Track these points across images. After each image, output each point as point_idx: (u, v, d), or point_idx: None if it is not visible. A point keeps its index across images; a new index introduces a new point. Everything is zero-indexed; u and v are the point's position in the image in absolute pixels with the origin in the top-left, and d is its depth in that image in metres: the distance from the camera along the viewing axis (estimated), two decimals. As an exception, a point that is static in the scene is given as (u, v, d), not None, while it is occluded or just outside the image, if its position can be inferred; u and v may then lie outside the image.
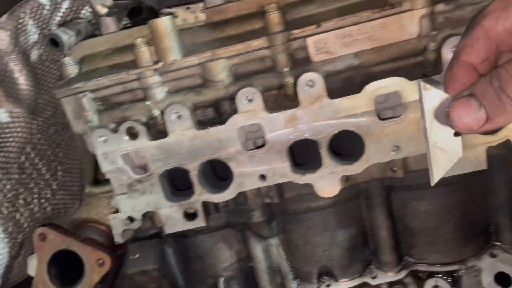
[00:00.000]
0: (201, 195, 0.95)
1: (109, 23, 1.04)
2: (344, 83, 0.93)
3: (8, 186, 1.17)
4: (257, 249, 1.12)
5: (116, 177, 0.95)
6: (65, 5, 1.12)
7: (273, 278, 1.15)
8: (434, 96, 0.73)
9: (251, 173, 0.93)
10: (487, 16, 0.63)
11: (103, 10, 1.01)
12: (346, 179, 0.97)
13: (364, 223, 1.12)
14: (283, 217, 1.11)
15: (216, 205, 1.02)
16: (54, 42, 0.94)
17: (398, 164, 0.97)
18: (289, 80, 0.91)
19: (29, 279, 1.26)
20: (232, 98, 0.92)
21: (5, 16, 1.07)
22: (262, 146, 0.93)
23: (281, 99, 0.94)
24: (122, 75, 0.93)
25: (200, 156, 0.93)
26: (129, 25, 1.07)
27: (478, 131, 0.63)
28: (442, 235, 1.10)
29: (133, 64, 0.93)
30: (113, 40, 0.98)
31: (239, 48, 0.90)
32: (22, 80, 1.15)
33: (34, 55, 1.16)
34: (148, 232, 1.12)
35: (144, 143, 0.92)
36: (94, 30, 1.09)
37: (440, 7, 0.86)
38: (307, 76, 0.87)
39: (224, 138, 0.91)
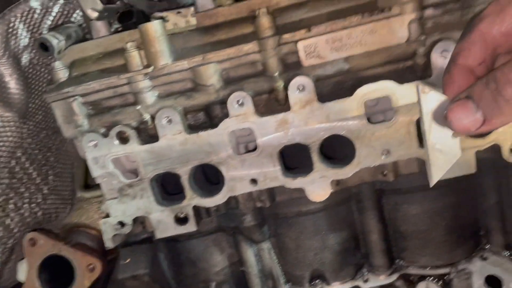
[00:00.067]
0: (192, 199, 0.95)
1: (100, 27, 1.04)
2: (334, 87, 0.93)
3: (-2, 191, 1.17)
4: (249, 253, 1.12)
5: (106, 181, 0.95)
6: (56, 9, 1.12)
7: (265, 282, 1.15)
8: (432, 99, 0.74)
9: (242, 177, 0.93)
10: (484, 19, 0.64)
11: (94, 14, 1.01)
12: (337, 183, 0.98)
13: (356, 226, 1.13)
14: (275, 221, 1.11)
15: (207, 209, 1.02)
16: (44, 47, 0.94)
17: (389, 168, 0.97)
18: (280, 84, 0.91)
19: (20, 284, 1.25)
20: (223, 102, 0.92)
21: (-5, 20, 1.07)
22: (254, 150, 0.93)
23: (272, 103, 0.94)
24: (112, 79, 0.92)
25: (191, 160, 0.93)
26: (120, 29, 1.07)
27: (476, 133, 0.64)
28: (433, 239, 1.10)
29: (124, 68, 0.93)
30: (104, 44, 0.98)
31: (230, 53, 0.91)
32: (12, 84, 1.14)
33: (24, 59, 1.16)
34: (140, 237, 1.11)
35: (135, 148, 0.92)
36: (85, 34, 1.09)
37: (429, 12, 0.87)
38: (297, 81, 0.87)
39: (215, 142, 0.91)
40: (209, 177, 1.05)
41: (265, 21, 0.89)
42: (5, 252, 1.21)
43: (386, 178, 0.98)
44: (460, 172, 0.92)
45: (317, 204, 1.06)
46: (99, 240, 1.24)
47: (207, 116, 0.97)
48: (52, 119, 1.15)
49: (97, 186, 0.99)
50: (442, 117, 0.69)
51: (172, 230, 0.97)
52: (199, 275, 1.15)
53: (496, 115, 0.61)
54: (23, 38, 1.13)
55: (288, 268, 1.15)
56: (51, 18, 1.12)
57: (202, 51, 0.92)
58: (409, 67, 0.91)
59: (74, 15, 1.12)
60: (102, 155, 0.93)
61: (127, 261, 1.07)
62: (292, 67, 0.91)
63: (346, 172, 0.92)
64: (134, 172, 0.97)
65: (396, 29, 0.87)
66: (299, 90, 0.88)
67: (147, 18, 0.99)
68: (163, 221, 0.97)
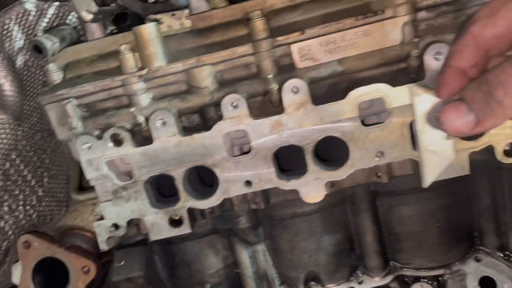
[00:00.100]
0: (186, 201, 0.95)
1: (95, 29, 1.04)
2: (328, 89, 0.93)
3: (-8, 193, 1.16)
4: (244, 255, 1.12)
5: (100, 184, 0.95)
6: (51, 11, 1.12)
7: (259, 284, 1.15)
8: (425, 101, 0.74)
9: (237, 179, 0.93)
10: (476, 22, 0.65)
11: (88, 17, 1.00)
12: (331, 184, 0.98)
13: (350, 228, 1.13)
14: (269, 223, 1.11)
15: (202, 211, 1.02)
16: (38, 49, 0.94)
17: (383, 170, 0.98)
18: (274, 86, 0.91)
19: (14, 287, 1.25)
20: (217, 105, 0.92)
21: (-10, 22, 1.06)
22: (248, 152, 0.93)
23: (266, 105, 0.94)
24: (106, 81, 0.92)
25: (185, 162, 0.93)
26: (115, 31, 1.07)
27: (468, 134, 0.65)
28: (427, 240, 1.11)
29: (118, 71, 0.93)
30: (98, 47, 0.97)
31: (224, 55, 0.91)
32: (7, 86, 1.14)
33: (19, 61, 1.16)
34: (134, 239, 1.11)
35: (129, 150, 0.92)
36: (80, 36, 1.09)
37: (422, 14, 0.87)
38: (291, 83, 0.88)
39: (210, 145, 0.91)
40: (204, 179, 1.05)
41: (259, 24, 0.89)
42: (-1, 254, 1.20)
43: (380, 179, 0.99)
44: (454, 174, 0.92)
45: (311, 206, 1.06)
46: (94, 242, 1.23)
47: (202, 118, 0.97)
48: (47, 121, 1.14)
49: (92, 189, 0.98)
50: (435, 119, 0.70)
51: (167, 232, 0.97)
52: (193, 277, 1.15)
53: (488, 116, 0.61)
54: (18, 40, 1.13)
55: (283, 270, 1.15)
56: (46, 20, 1.12)
57: (197, 53, 0.92)
58: (402, 69, 0.91)
59: (70, 17, 1.12)
60: (96, 157, 0.93)
61: (122, 263, 1.07)
62: (286, 69, 0.91)
63: (340, 174, 0.92)
64: (129, 174, 0.97)
65: (390, 32, 0.87)
66: (293, 92, 0.88)
67: (141, 20, 0.99)
68: (157, 223, 0.96)
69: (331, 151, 0.96)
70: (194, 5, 0.97)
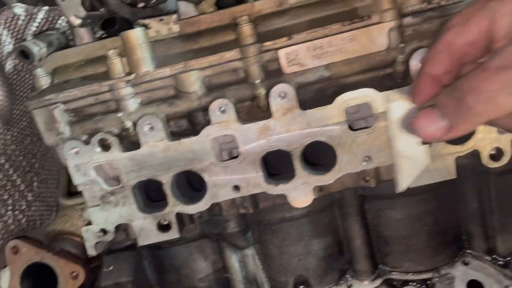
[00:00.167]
0: (174, 206, 0.95)
1: (83, 34, 1.04)
2: (316, 94, 0.94)
3: (-20, 199, 1.16)
4: (233, 260, 1.12)
5: (88, 189, 0.95)
6: (41, 15, 1.12)
7: (249, 289, 1.15)
8: (400, 107, 0.75)
9: (225, 184, 0.93)
10: (449, 30, 0.66)
11: (77, 21, 1.00)
12: (319, 189, 0.98)
13: (339, 232, 1.13)
14: (258, 228, 1.11)
15: (190, 216, 1.01)
16: (25, 54, 0.93)
17: (371, 174, 0.98)
18: (262, 91, 0.92)
19: (2, 293, 1.24)
20: (205, 109, 0.92)
21: (-22, 27, 1.06)
22: (237, 156, 0.93)
23: (254, 110, 0.95)
24: (94, 86, 0.92)
25: (173, 167, 0.92)
26: (105, 36, 1.07)
27: (442, 140, 0.66)
28: (415, 244, 1.11)
29: (106, 76, 0.92)
30: (86, 51, 0.97)
31: (212, 60, 0.91)
32: (-4, 91, 1.14)
33: (9, 65, 1.15)
34: (123, 244, 1.11)
35: (117, 155, 0.92)
36: (69, 41, 1.09)
37: (408, 20, 0.88)
38: (279, 88, 0.88)
39: (198, 149, 0.91)
40: (193, 184, 1.05)
41: (246, 29, 0.89)
42: (-13, 260, 1.20)
43: (368, 184, 0.99)
44: (441, 178, 0.93)
45: (300, 210, 1.06)
46: (83, 248, 1.22)
47: (190, 123, 0.97)
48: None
49: (80, 194, 0.98)
50: (409, 124, 0.71)
51: (155, 237, 0.97)
52: (183, 282, 1.14)
53: (460, 122, 0.62)
54: (7, 44, 1.13)
55: (272, 274, 1.15)
56: (35, 24, 1.12)
57: (184, 58, 0.92)
58: (388, 74, 0.91)
59: (59, 21, 1.12)
60: (84, 163, 0.92)
61: (110, 268, 1.07)
62: (273, 74, 0.92)
63: (327, 179, 0.92)
64: (117, 179, 0.96)
65: (376, 37, 0.88)
66: (281, 97, 0.88)
67: (130, 25, 0.99)
68: (145, 228, 0.96)
69: (319, 156, 0.97)
70: (182, 10, 0.98)
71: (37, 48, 0.94)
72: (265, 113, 0.92)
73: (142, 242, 0.97)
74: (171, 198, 0.94)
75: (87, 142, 0.92)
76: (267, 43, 0.89)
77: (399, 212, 1.09)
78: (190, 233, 1.09)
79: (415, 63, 0.87)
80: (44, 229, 1.31)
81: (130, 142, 0.95)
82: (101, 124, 0.94)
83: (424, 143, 0.77)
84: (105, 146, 0.92)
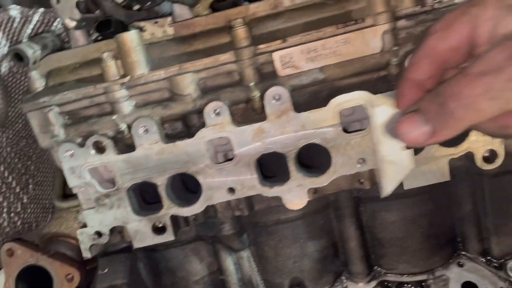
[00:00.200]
0: (169, 209, 0.95)
1: (79, 37, 1.04)
2: (310, 97, 0.94)
3: (-25, 201, 1.15)
4: (228, 262, 1.12)
5: (83, 191, 0.95)
6: (36, 17, 1.11)
7: (244, 291, 1.15)
8: (383, 112, 0.76)
9: (220, 186, 0.93)
10: (432, 35, 0.66)
11: (72, 24, 1.00)
12: (314, 191, 0.98)
13: (334, 234, 1.14)
14: (254, 230, 1.11)
15: (185, 218, 1.01)
16: (19, 57, 0.93)
17: (365, 176, 0.98)
18: (256, 94, 0.92)
19: (-3, 295, 1.24)
20: (200, 112, 0.92)
21: (-26, 29, 1.06)
22: (232, 159, 0.93)
23: (249, 112, 0.95)
24: (89, 89, 0.92)
25: (168, 169, 0.93)
26: (100, 38, 1.07)
27: (425, 144, 0.66)
28: (410, 246, 1.11)
29: (101, 78, 0.93)
30: (81, 54, 0.97)
31: (207, 62, 0.91)
32: (-9, 93, 1.13)
33: (4, 67, 1.15)
34: (118, 246, 1.11)
35: (111, 157, 0.92)
36: (64, 43, 1.09)
37: (402, 23, 0.88)
38: (273, 90, 0.88)
39: (192, 152, 0.92)
40: (188, 186, 1.05)
41: (241, 32, 0.90)
42: (-18, 262, 1.19)
43: (363, 186, 0.99)
44: (435, 180, 0.93)
45: (295, 212, 1.06)
46: (79, 250, 1.22)
47: (185, 126, 0.97)
48: (32, 128, 1.15)
49: (75, 196, 0.98)
50: (393, 129, 0.71)
51: (150, 239, 0.97)
52: (178, 284, 1.14)
53: (443, 127, 0.62)
54: (3, 47, 1.12)
55: (267, 276, 1.15)
56: (31, 26, 1.12)
57: (179, 60, 0.92)
58: (382, 77, 0.92)
59: (55, 23, 1.12)
60: (79, 165, 0.92)
61: (105, 271, 1.06)
62: (268, 77, 0.92)
63: (322, 181, 0.93)
64: (112, 182, 0.96)
65: (370, 40, 0.88)
66: (275, 99, 0.88)
67: (125, 28, 0.99)
68: (140, 231, 0.96)
69: (313, 158, 0.97)
70: (177, 13, 0.98)
71: (32, 51, 0.94)
72: (259, 115, 0.92)
73: (137, 244, 0.97)
74: (166, 201, 0.94)
75: (82, 145, 0.93)
76: (262, 46, 0.90)
77: (394, 214, 1.09)
78: (185, 235, 1.09)
79: (408, 66, 0.88)
80: (39, 232, 1.31)
81: (125, 144, 0.95)
82: (96, 127, 0.94)
83: (408, 147, 0.78)
84: (99, 149, 0.92)
